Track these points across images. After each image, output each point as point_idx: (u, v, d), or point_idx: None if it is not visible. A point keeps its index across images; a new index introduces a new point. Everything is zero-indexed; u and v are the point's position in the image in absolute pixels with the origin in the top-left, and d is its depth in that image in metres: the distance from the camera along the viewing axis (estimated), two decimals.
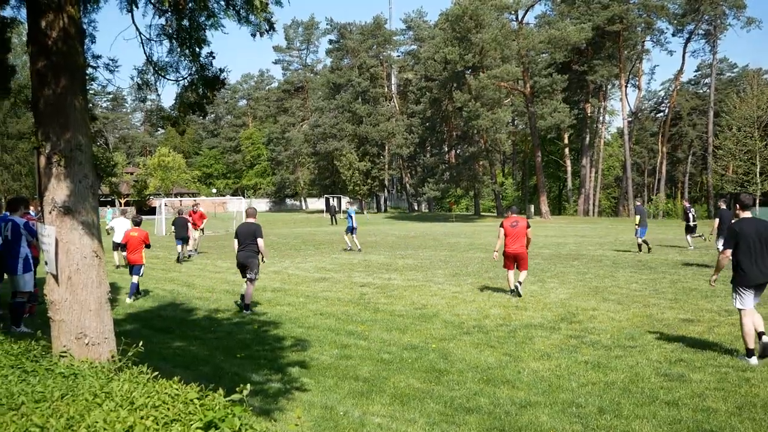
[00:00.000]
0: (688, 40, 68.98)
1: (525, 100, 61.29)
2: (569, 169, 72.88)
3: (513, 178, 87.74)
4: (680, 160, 79.82)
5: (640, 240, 23.05)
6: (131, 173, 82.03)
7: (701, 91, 78.15)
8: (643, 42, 69.04)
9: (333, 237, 34.95)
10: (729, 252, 8.47)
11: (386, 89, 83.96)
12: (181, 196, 79.90)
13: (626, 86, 68.03)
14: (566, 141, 71.74)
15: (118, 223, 20.54)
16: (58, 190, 5.24)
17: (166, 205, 56.02)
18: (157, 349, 9.35)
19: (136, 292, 14.40)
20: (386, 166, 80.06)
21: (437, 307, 12.70)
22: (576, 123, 64.61)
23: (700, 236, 25.43)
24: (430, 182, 62.77)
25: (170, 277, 18.27)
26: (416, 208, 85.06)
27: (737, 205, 8.59)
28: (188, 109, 6.45)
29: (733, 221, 8.68)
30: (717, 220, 18.75)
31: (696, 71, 79.49)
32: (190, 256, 24.17)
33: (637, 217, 22.80)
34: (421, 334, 10.33)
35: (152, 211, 66.29)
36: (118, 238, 20.29)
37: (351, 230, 26.07)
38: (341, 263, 21.28)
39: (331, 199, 72.48)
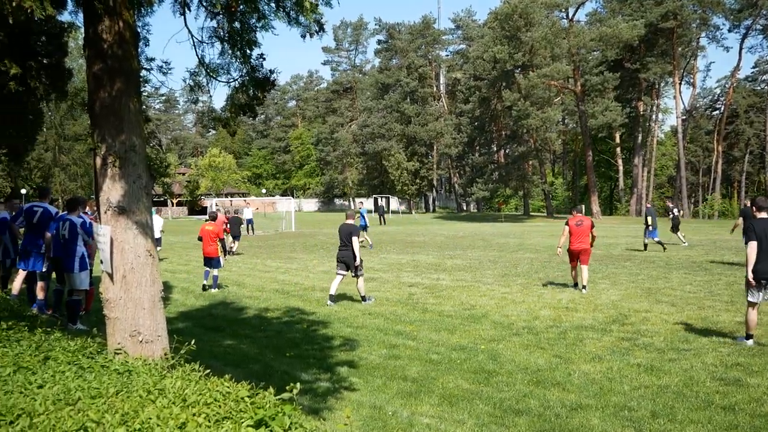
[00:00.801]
0: (745, 36, 66.95)
1: (575, 99, 60.45)
2: (621, 168, 71.52)
3: (563, 177, 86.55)
4: (737, 158, 77.61)
5: (647, 240, 24.04)
6: (183, 174, 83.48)
7: (759, 87, 75.81)
8: (698, 38, 67.31)
9: (381, 237, 35.01)
10: (755, 243, 9.21)
11: (435, 89, 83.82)
12: (231, 196, 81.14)
13: (680, 84, 66.47)
14: (618, 140, 70.40)
15: (154, 220, 22.05)
16: (113, 191, 5.36)
17: (216, 205, 56.97)
18: (208, 347, 9.49)
19: (218, 284, 15.68)
20: (435, 165, 79.94)
21: (486, 307, 12.63)
22: (628, 121, 63.33)
23: (671, 240, 26.49)
24: (479, 182, 62.41)
25: (221, 277, 18.53)
26: (465, 208, 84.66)
27: (753, 207, 9.52)
28: (239, 111, 6.53)
29: (750, 221, 9.55)
30: (741, 218, 19.43)
31: (753, 68, 77.04)
32: (232, 252, 25.24)
33: (649, 218, 23.68)
34: (470, 335, 10.27)
35: (203, 210, 67.30)
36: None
37: (363, 228, 28.22)
38: (389, 263, 21.31)
39: (379, 199, 72.60)
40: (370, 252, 25.60)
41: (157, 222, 22.34)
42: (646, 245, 24.23)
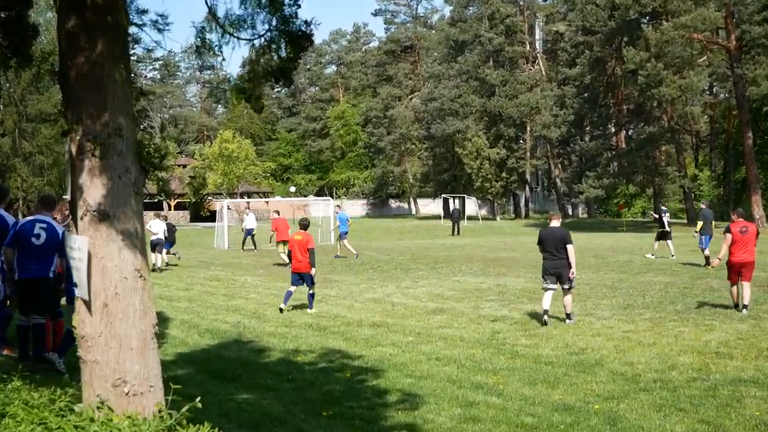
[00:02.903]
0: None
1: (728, 59, 59.27)
2: None
3: (711, 169, 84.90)
4: None
5: (706, 251, 25.67)
6: (184, 166, 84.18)
7: None
8: None
9: (452, 253, 34.91)
10: None
11: (528, 47, 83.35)
12: (249, 197, 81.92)
13: None
14: None
15: (156, 224, 28.41)
16: (92, 189, 5.43)
17: (229, 209, 57.58)
18: (216, 401, 9.59)
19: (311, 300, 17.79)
20: (528, 153, 79.44)
21: (601, 351, 12.51)
22: None
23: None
24: (590, 176, 61.66)
25: (234, 306, 18.77)
26: (570, 212, 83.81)
27: None
28: (267, 78, 6.53)
29: None
30: None
31: None
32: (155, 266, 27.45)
33: (699, 224, 25.76)
34: (579, 390, 10.18)
35: (212, 216, 68.18)
36: (153, 238, 27.35)
37: (342, 235, 32.58)
38: (465, 289, 21.24)
39: (451, 201, 72.46)
40: (437, 274, 25.55)
41: (160, 225, 28.48)
42: (707, 259, 25.08)
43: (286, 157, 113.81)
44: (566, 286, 15.38)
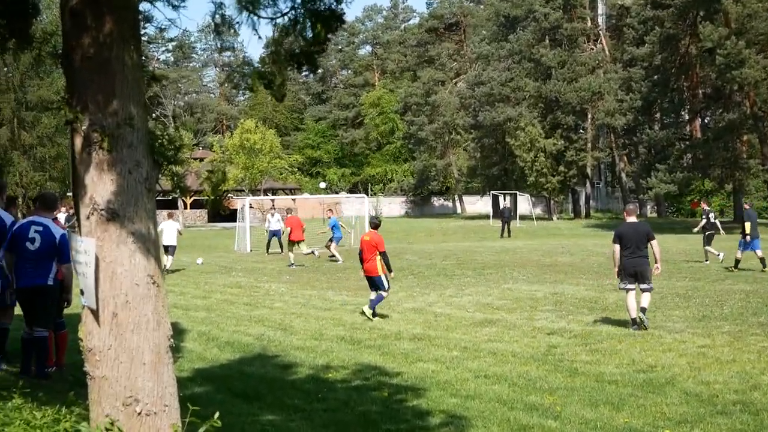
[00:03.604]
0: None
1: None
2: None
3: None
4: None
5: (759, 253, 26.81)
6: (201, 159, 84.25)
7: None
8: None
9: (502, 257, 34.82)
10: None
11: (589, 23, 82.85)
12: (273, 194, 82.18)
13: None
14: None
15: (167, 226, 29.76)
16: (99, 185, 5.46)
17: (252, 207, 57.79)
18: (239, 423, 9.64)
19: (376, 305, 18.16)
20: (589, 144, 78.90)
21: (673, 369, 12.42)
22: None
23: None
24: (660, 170, 61.24)
25: (258, 316, 18.85)
26: (638, 210, 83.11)
27: None
28: (290, 62, 6.49)
29: None
30: None
31: None
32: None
33: (747, 225, 26.49)
34: (647, 413, 10.11)
35: (232, 216, 68.36)
36: (167, 240, 29.00)
37: (335, 240, 34.57)
38: (517, 298, 21.21)
39: (501, 198, 72.31)
40: (485, 281, 25.51)
41: (172, 227, 30.05)
42: (763, 261, 26.71)
43: (315, 149, 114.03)
44: (645, 286, 16.02)
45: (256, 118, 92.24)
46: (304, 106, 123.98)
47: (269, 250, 38.78)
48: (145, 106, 5.75)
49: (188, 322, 17.70)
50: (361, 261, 18.49)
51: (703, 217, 30.71)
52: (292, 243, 32.31)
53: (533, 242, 46.37)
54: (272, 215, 39.30)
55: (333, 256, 34.23)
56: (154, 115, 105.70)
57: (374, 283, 18.15)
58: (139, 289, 5.55)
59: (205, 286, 25.50)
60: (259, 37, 6.84)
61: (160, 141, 5.90)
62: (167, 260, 28.95)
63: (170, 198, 76.33)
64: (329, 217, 36.58)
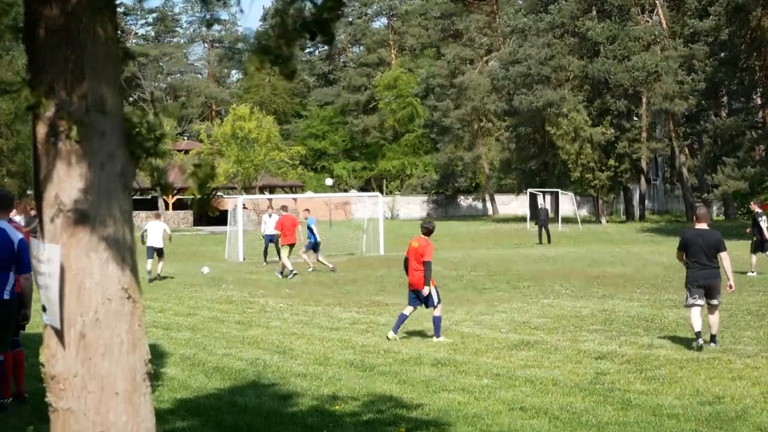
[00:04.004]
0: None
1: None
2: None
3: None
4: None
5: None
6: (185, 151, 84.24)
7: None
8: None
9: (544, 266, 34.76)
10: None
11: None
12: (271, 192, 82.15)
13: None
14: None
15: (154, 227, 31.68)
16: (66, 182, 5.43)
17: (245, 208, 57.80)
18: None
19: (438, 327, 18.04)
20: (644, 134, 78.74)
21: (744, 400, 12.35)
22: None
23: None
24: (728, 164, 61.14)
25: (252, 337, 18.84)
26: (711, 217, 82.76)
27: None
28: (300, 32, 6.42)
29: None
30: None
31: None
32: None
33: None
34: None
35: (222, 218, 68.38)
36: (153, 241, 30.92)
37: (313, 247, 34.80)
38: (559, 315, 21.20)
39: (540, 197, 72.14)
40: (521, 295, 25.47)
41: (158, 228, 31.64)
42: None
43: (321, 139, 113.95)
44: (714, 302, 16.40)
45: (251, 103, 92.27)
46: (308, 88, 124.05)
47: (266, 258, 38.77)
48: (120, 88, 5.72)
49: (170, 344, 17.68)
50: (406, 270, 18.44)
51: (758, 221, 31.33)
52: (286, 247, 32.48)
53: (578, 249, 46.31)
54: (270, 216, 39.31)
55: (313, 265, 35.06)
56: (131, 98, 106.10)
57: (419, 299, 18.06)
58: (111, 305, 5.51)
59: (189, 301, 25.53)
60: (263, 8, 6.76)
61: (137, 129, 5.87)
62: (158, 265, 30.64)
63: (149, 197, 76.56)
64: (306, 218, 36.35)
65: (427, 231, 18.41)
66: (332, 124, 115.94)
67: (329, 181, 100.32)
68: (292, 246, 32.72)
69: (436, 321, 17.90)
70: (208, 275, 32.80)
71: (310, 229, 34.66)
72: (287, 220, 33.22)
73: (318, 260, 34.92)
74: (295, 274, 31.91)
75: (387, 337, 17.90)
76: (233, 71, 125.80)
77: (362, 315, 21.73)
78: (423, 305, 18.07)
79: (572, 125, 74.39)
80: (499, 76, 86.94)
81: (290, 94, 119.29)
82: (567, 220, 73.27)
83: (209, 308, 23.95)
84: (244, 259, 41.16)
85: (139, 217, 51.92)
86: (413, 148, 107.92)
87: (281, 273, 32.09)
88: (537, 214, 57.31)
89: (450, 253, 44.79)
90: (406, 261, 18.40)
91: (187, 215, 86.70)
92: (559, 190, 75.96)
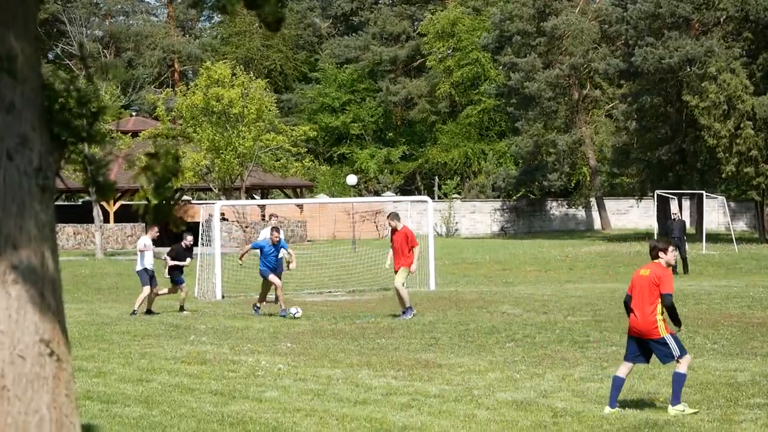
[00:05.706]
0: None
1: None
2: None
3: None
4: None
5: None
6: (134, 133, 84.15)
7: None
8: None
9: (678, 308, 34.74)
10: None
11: None
12: (264, 195, 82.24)
13: None
14: None
15: (147, 241, 36.99)
16: None
17: (225, 219, 57.88)
18: None
19: None
20: None
21: None
22: None
23: None
24: None
25: (237, 416, 18.73)
26: None
27: None
28: None
29: None
30: None
31: None
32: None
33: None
34: None
35: (189, 233, 68.62)
36: (150, 262, 35.98)
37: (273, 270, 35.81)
38: (701, 381, 21.32)
39: (672, 203, 72.00)
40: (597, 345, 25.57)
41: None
42: None
43: (338, 114, 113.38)
44: None
45: (232, 60, 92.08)
46: (319, 38, 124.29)
47: (267, 298, 38.33)
48: (36, 39, 5.77)
49: (112, 426, 17.71)
50: (628, 311, 18.80)
51: None
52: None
53: (731, 283, 46.26)
54: (265, 226, 39.49)
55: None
56: (51, 53, 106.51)
57: (643, 353, 18.64)
58: (26, 366, 5.49)
59: (141, 360, 25.45)
60: None
61: (62, 101, 5.89)
62: (181, 293, 34.45)
63: (80, 202, 76.77)
64: (278, 240, 36.87)
65: (656, 254, 18.74)
66: (356, 92, 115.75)
67: (352, 179, 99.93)
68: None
69: (678, 380, 18.11)
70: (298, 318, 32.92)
71: (276, 249, 35.93)
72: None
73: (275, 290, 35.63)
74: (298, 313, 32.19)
75: (603, 415, 18.00)
76: (206, 12, 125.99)
77: (402, 382, 21.65)
78: (645, 362, 18.65)
79: (724, 93, 74.03)
80: (612, 18, 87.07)
81: (293, 45, 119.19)
82: (715, 238, 73.26)
83: (171, 371, 23.88)
84: (223, 297, 41.19)
85: (65, 232, 52.00)
86: (480, 129, 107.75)
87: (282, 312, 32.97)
88: (668, 229, 56.96)
89: (535, 287, 44.97)
90: (628, 301, 18.67)
91: (137, 230, 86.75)
92: (704, 192, 75.60)
